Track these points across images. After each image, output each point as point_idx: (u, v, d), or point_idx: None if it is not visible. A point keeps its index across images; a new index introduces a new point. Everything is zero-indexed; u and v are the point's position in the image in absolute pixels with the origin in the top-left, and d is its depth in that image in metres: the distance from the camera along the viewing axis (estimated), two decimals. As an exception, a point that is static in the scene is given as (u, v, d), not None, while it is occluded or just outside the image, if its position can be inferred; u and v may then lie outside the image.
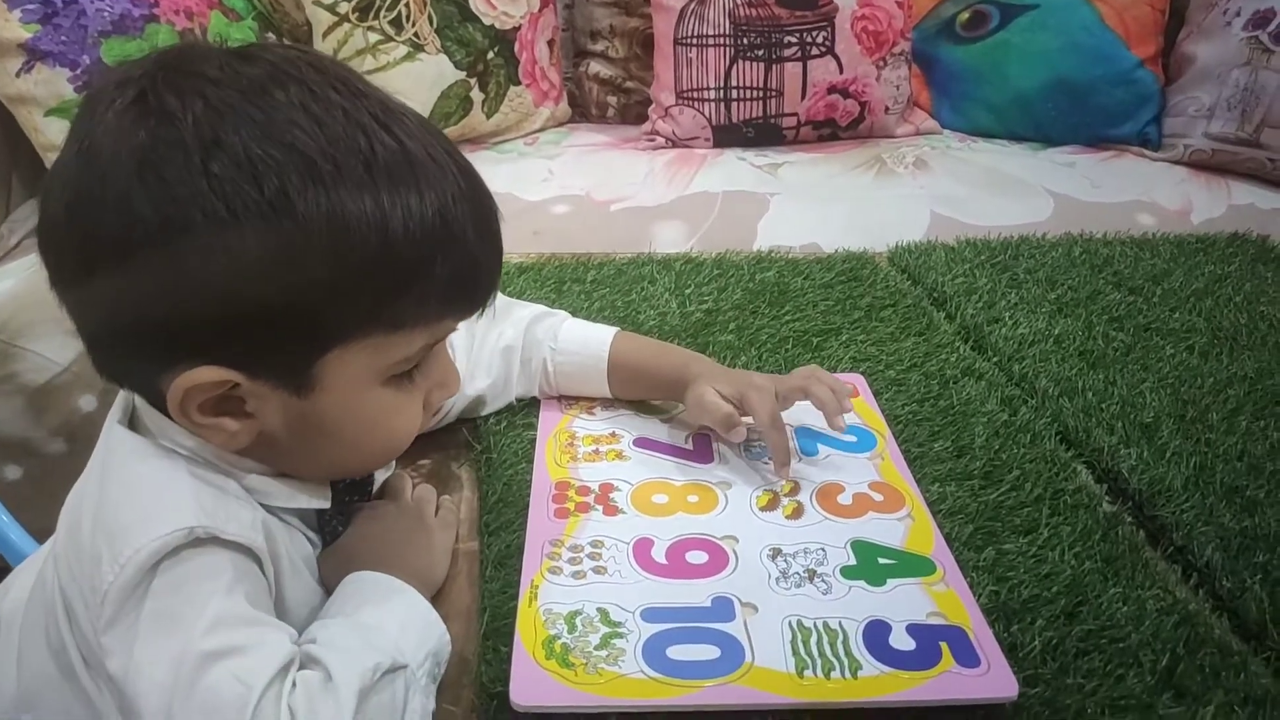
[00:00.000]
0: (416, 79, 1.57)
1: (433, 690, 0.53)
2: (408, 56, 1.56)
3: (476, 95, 1.64)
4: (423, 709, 0.51)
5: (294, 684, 0.47)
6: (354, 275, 0.48)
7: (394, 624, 0.54)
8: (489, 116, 1.67)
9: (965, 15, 1.73)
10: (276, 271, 0.46)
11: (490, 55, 1.64)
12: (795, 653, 0.54)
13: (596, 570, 0.60)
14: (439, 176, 0.49)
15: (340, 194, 0.46)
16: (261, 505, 0.54)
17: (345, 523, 0.62)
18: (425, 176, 0.49)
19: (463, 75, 1.61)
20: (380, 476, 0.67)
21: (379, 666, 0.50)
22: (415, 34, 1.57)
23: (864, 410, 0.78)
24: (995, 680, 0.52)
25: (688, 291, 1.02)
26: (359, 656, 0.50)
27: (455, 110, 1.62)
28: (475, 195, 0.52)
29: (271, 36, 1.57)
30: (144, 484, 0.51)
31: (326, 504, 0.59)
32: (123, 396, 0.55)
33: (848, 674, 0.52)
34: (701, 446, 0.74)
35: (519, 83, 1.69)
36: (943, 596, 0.58)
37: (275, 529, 0.55)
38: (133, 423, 0.54)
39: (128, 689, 0.46)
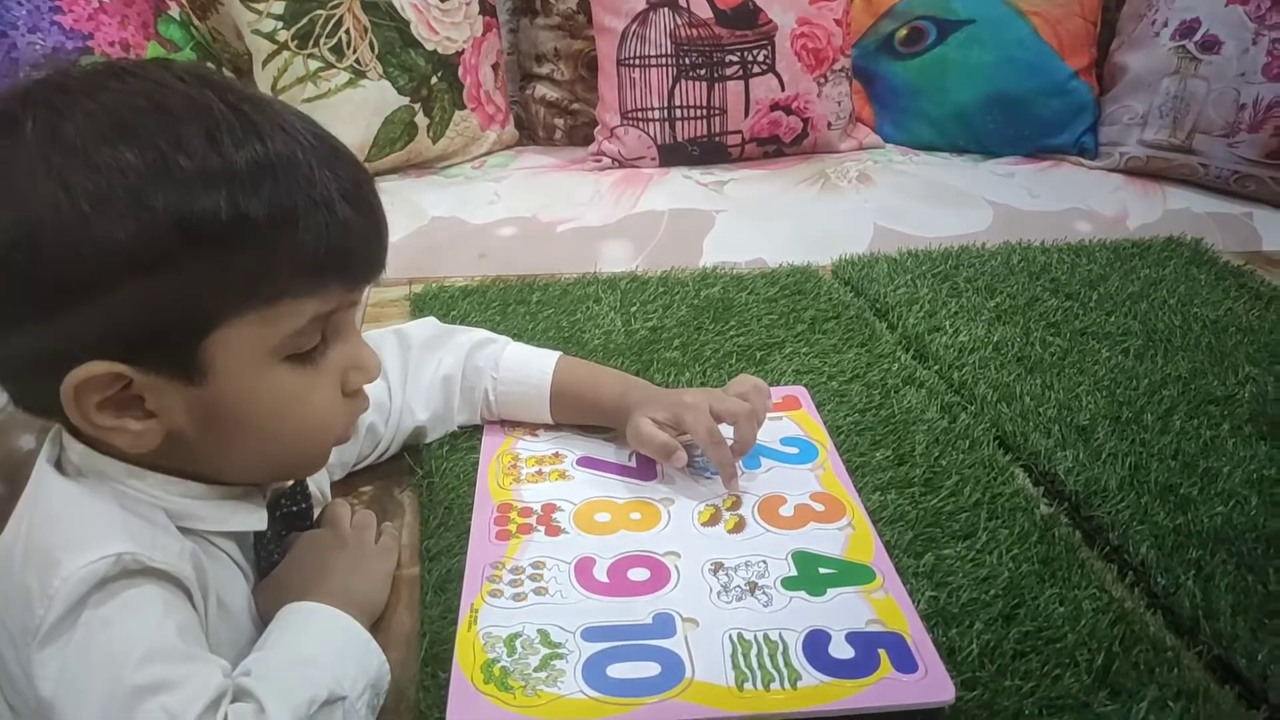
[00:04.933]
0: (359, 105, 1.56)
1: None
2: (349, 83, 1.55)
3: (421, 120, 1.64)
4: None
5: (225, 718, 0.46)
6: (214, 255, 0.48)
7: (331, 654, 0.53)
8: (435, 141, 1.67)
9: (903, 31, 1.76)
10: (136, 261, 0.46)
11: (434, 80, 1.64)
12: (735, 666, 0.54)
13: (537, 591, 0.60)
14: (292, 147, 0.50)
15: (189, 176, 0.47)
16: (192, 534, 0.54)
17: (281, 553, 0.61)
18: (277, 149, 0.49)
19: (406, 101, 1.61)
20: (318, 507, 0.67)
21: (315, 699, 0.49)
22: (356, 60, 1.56)
23: (806, 422, 0.79)
24: (932, 684, 0.52)
25: (633, 310, 1.02)
26: (294, 689, 0.49)
27: (400, 136, 1.62)
28: (335, 161, 0.51)
29: (212, 66, 1.55)
30: (71, 516, 0.51)
31: (262, 526, 0.58)
32: (51, 437, 0.55)
33: (787, 685, 0.52)
34: (645, 463, 0.74)
35: (464, 107, 1.69)
36: (882, 604, 0.58)
37: (205, 563, 0.54)
38: (60, 464, 0.53)
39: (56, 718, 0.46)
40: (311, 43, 1.53)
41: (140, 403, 0.51)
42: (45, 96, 0.48)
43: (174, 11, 1.50)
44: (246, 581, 0.59)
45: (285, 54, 1.52)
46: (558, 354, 0.79)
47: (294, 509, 0.63)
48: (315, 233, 0.50)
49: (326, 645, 0.54)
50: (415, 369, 0.77)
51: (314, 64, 1.53)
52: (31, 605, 0.47)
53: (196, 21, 1.55)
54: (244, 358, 0.51)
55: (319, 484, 0.67)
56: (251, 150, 0.48)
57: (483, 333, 0.81)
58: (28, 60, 1.33)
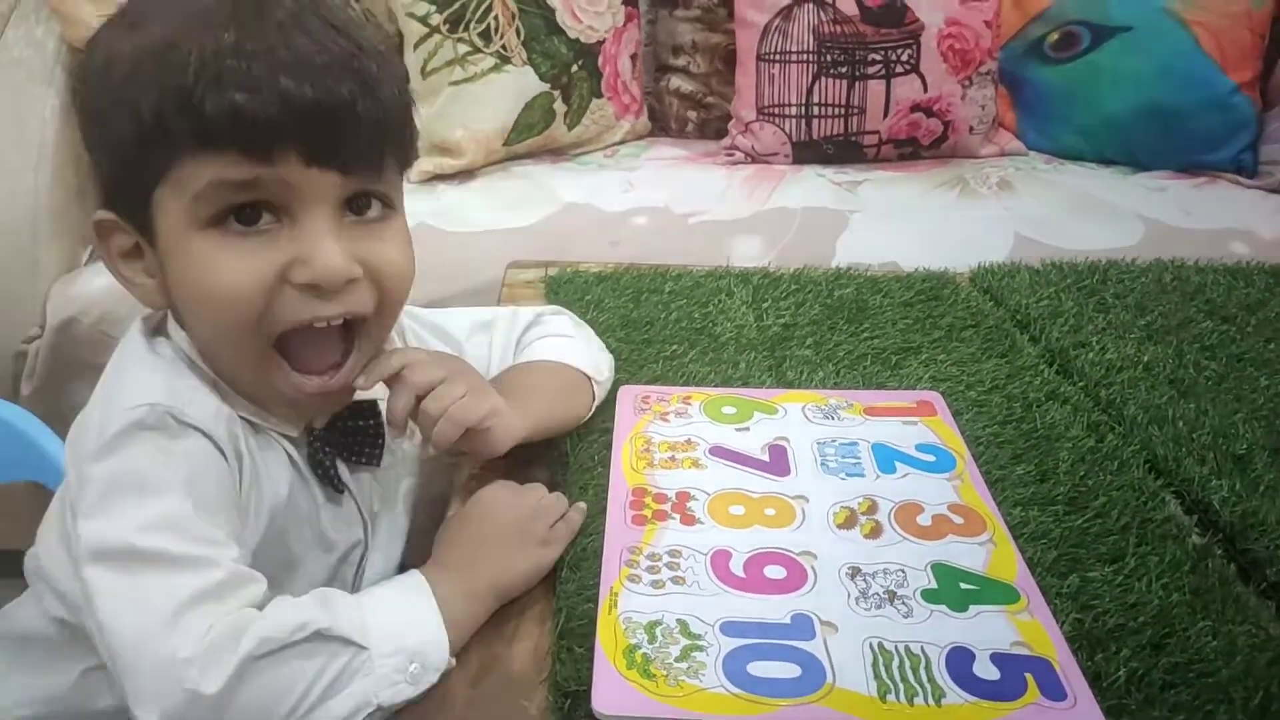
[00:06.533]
0: (502, 90, 1.60)
1: (404, 690, 0.52)
2: (495, 68, 1.59)
3: (559, 107, 1.66)
4: (363, 695, 0.51)
5: (224, 612, 0.50)
6: (119, 105, 0.54)
7: (380, 608, 0.55)
8: (570, 128, 1.69)
9: (1055, 36, 1.70)
10: (86, 110, 0.57)
11: (574, 68, 1.66)
12: (877, 675, 0.53)
13: (675, 580, 0.61)
14: (216, 14, 0.54)
15: (123, 24, 0.55)
16: (246, 421, 0.60)
17: (336, 460, 0.65)
18: (201, 14, 0.54)
19: (547, 87, 1.63)
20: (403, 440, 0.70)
21: (304, 625, 0.50)
22: (503, 46, 1.59)
23: (942, 430, 0.78)
24: (1082, 715, 0.51)
25: (765, 305, 1.02)
26: (297, 611, 0.52)
27: (538, 121, 1.64)
28: (267, 29, 0.53)
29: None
30: (131, 368, 0.59)
31: (294, 433, 0.63)
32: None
33: (931, 701, 0.52)
34: (778, 458, 0.74)
35: (601, 95, 1.71)
36: (1027, 626, 0.57)
37: (241, 433, 0.59)
38: (158, 324, 0.62)
39: (79, 542, 0.53)
40: (462, 27, 1.56)
41: (144, 258, 0.58)
42: None
43: (333, -8, 1.55)
44: (302, 480, 0.63)
45: (436, 37, 1.56)
46: (555, 362, 0.77)
47: (358, 423, 0.65)
48: (190, 96, 0.52)
49: (382, 601, 0.56)
50: (520, 350, 0.79)
51: (462, 48, 1.57)
52: (89, 433, 0.56)
53: (353, 2, 1.61)
54: (172, 219, 0.55)
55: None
56: (165, 16, 0.54)
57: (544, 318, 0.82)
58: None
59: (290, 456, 0.63)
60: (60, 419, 1.06)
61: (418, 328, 0.76)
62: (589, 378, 0.77)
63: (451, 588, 0.58)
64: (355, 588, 0.68)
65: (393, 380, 0.64)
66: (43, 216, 1.32)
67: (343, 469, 0.66)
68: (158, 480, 0.53)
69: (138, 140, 0.54)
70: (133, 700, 0.49)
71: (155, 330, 0.62)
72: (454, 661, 0.55)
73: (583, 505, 0.68)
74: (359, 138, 0.56)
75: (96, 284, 1.32)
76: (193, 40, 0.52)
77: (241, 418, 0.60)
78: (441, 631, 0.55)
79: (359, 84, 0.55)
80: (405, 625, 0.54)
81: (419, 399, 0.64)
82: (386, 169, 0.59)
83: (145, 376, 0.58)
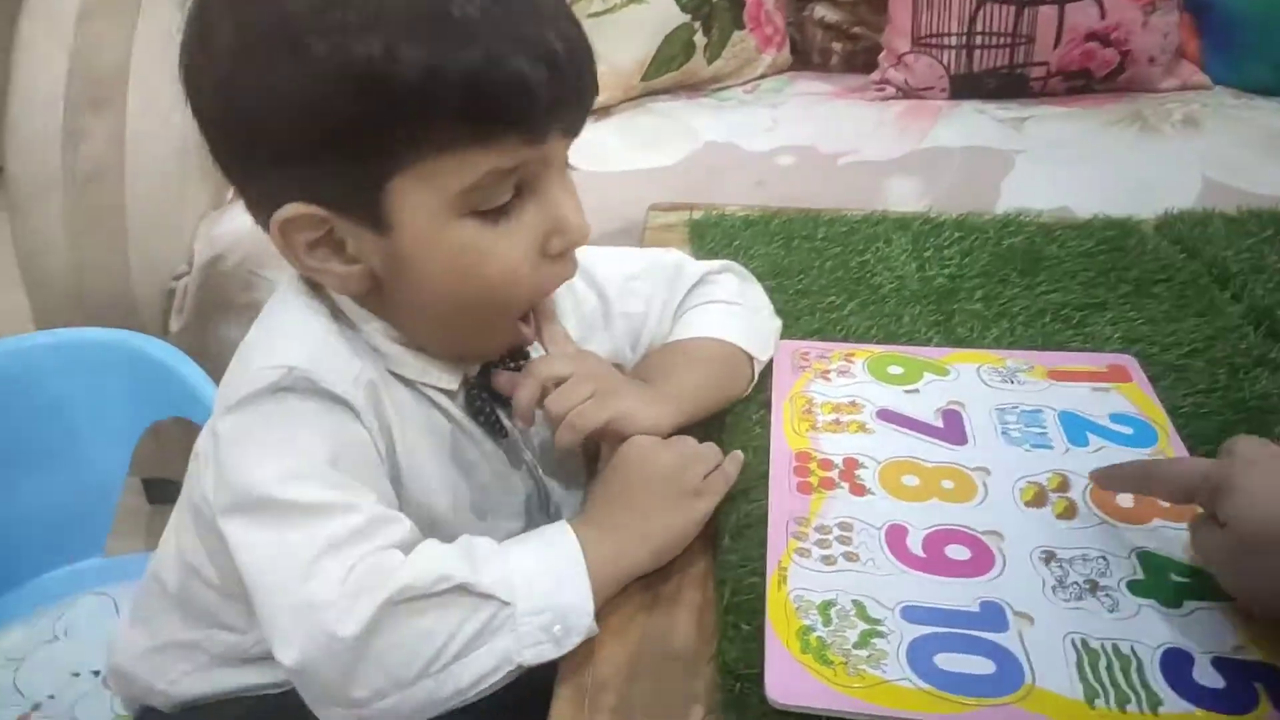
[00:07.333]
0: (641, 23, 1.54)
1: (547, 650, 0.50)
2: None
3: (699, 40, 1.59)
4: (505, 653, 0.49)
5: (365, 552, 0.50)
6: (373, 103, 0.48)
7: (527, 564, 0.52)
8: (710, 62, 1.62)
9: (1250, -46, 1.54)
10: (304, 107, 0.49)
11: (716, -3, 1.59)
12: (1083, 677, 0.48)
13: (848, 556, 0.56)
14: None
15: (348, 20, 0.47)
16: (399, 379, 0.58)
17: (495, 405, 0.63)
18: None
19: (687, 19, 1.57)
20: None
21: (446, 578, 0.49)
22: (643, -26, 1.53)
23: (1139, 398, 0.70)
24: (1326, 733, 0.45)
25: (927, 255, 0.94)
26: (443, 561, 0.50)
27: (678, 55, 1.58)
28: (515, 8, 0.50)
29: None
30: (278, 323, 0.58)
31: (452, 386, 0.61)
32: None
33: (1145, 708, 0.46)
34: (953, 424, 0.68)
35: (743, 26, 1.63)
36: (1252, 628, 0.50)
37: (386, 396, 0.57)
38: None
39: (214, 495, 0.54)
40: (600, -44, 1.51)
41: (343, 247, 0.54)
42: None
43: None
44: (463, 431, 0.62)
45: (574, -34, 1.51)
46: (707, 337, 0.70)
47: (517, 367, 0.63)
48: (474, 79, 0.48)
49: (530, 556, 0.53)
50: (679, 318, 0.73)
51: (601, -22, 1.51)
52: (232, 380, 0.55)
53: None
54: (422, 210, 0.52)
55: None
56: (416, 9, 0.48)
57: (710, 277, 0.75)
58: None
59: (447, 412, 0.61)
60: (208, 356, 1.08)
61: None
62: (751, 357, 0.71)
63: (599, 547, 0.55)
64: None
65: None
66: (190, 155, 1.33)
67: (503, 417, 0.64)
68: (290, 436, 0.53)
69: (377, 126, 0.49)
70: (275, 645, 0.49)
71: (307, 280, 0.59)
72: (596, 627, 0.52)
73: (739, 454, 0.63)
74: (592, 97, 0.55)
75: (242, 222, 1.30)
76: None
77: (396, 376, 0.58)
78: (588, 593, 0.52)
79: (582, 35, 0.53)
80: (551, 583, 0.52)
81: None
82: None
83: (289, 336, 0.57)
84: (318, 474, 0.52)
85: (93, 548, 0.97)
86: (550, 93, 0.50)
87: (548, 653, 0.51)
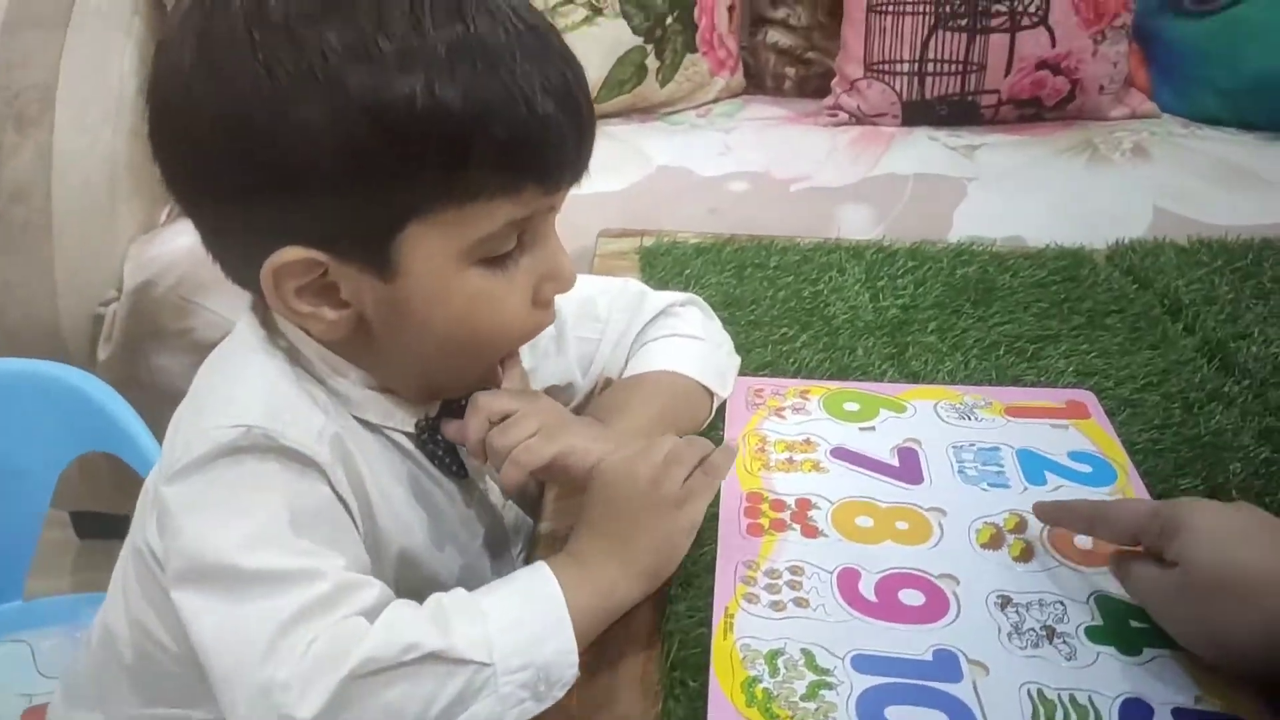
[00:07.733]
0: (593, 43, 1.52)
1: (529, 708, 0.48)
2: (586, 20, 1.51)
3: (652, 63, 1.58)
4: (488, 717, 0.46)
5: (330, 623, 0.46)
6: (406, 146, 0.47)
7: (506, 616, 0.49)
8: (662, 85, 1.61)
9: (1195, -13, 1.56)
10: (330, 144, 0.46)
11: (669, 20, 1.57)
12: (1040, 731, 0.46)
13: (798, 602, 0.54)
14: (496, 31, 0.47)
15: (386, 59, 0.45)
16: (362, 423, 0.56)
17: (448, 446, 0.60)
18: (480, 33, 0.47)
19: (639, 41, 1.55)
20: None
21: (415, 647, 0.45)
22: (596, -4, 1.52)
23: (1097, 435, 0.69)
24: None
25: (880, 284, 0.93)
26: (413, 627, 0.47)
27: (630, 78, 1.57)
28: (543, 51, 0.49)
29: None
30: (233, 373, 0.54)
31: (408, 427, 0.58)
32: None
33: (1105, 764, 0.44)
34: (909, 462, 0.66)
35: (696, 50, 1.62)
36: (1213, 677, 0.49)
37: (353, 448, 0.54)
38: (264, 319, 0.56)
39: (166, 563, 0.50)
40: (554, -25, 1.49)
41: (335, 291, 0.51)
42: None
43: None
44: (422, 472, 0.59)
45: (526, -13, 1.49)
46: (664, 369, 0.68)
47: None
48: (513, 128, 0.47)
49: (507, 597, 0.50)
50: (638, 349, 0.71)
51: (553, -1, 1.50)
52: (182, 438, 0.51)
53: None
54: (435, 258, 0.50)
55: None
56: (452, 32, 0.46)
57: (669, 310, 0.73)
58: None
59: (408, 453, 0.59)
60: (139, 386, 1.03)
61: None
62: (711, 393, 0.69)
63: (579, 589, 0.51)
64: None
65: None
66: (121, 174, 1.28)
67: (462, 454, 0.61)
68: (249, 501, 0.49)
69: (408, 171, 0.47)
70: None
71: (264, 322, 0.56)
72: (578, 674, 0.49)
73: (732, 446, 0.61)
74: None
75: (176, 245, 1.27)
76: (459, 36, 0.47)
77: (359, 420, 0.56)
78: (571, 642, 0.49)
79: (583, 82, 0.52)
80: (531, 637, 0.49)
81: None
82: None
83: (245, 386, 0.53)
84: (278, 540, 0.48)
85: (10, 590, 0.91)
86: (574, 145, 0.51)
87: (530, 710, 0.48)
